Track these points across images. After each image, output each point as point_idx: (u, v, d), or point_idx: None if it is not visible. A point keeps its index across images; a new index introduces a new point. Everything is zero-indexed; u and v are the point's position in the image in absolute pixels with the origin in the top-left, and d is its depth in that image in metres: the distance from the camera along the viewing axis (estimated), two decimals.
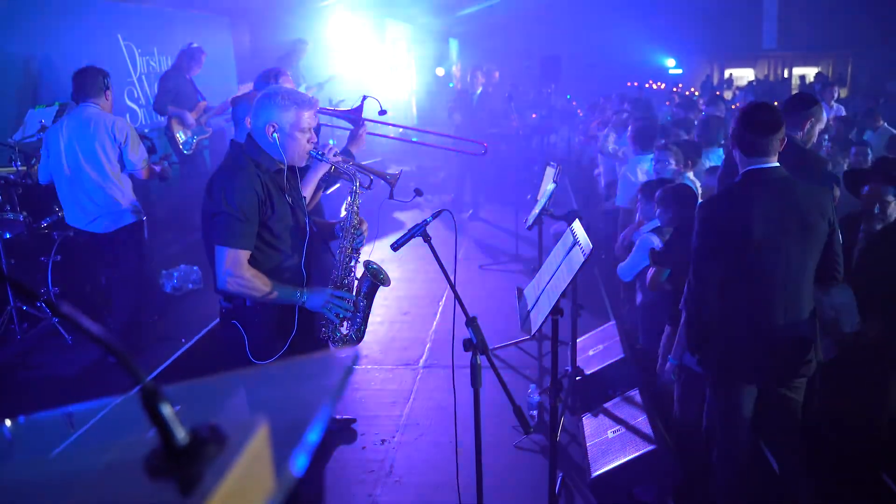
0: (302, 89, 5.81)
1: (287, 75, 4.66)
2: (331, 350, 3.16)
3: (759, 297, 3.06)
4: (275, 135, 2.97)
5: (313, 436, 0.78)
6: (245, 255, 2.93)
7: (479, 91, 10.20)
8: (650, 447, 3.71)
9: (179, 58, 7.80)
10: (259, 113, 3.01)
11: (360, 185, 3.63)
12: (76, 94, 5.17)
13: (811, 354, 3.13)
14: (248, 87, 7.79)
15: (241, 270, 2.91)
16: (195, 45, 7.80)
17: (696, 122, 7.21)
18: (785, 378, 3.16)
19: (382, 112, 4.95)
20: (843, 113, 10.54)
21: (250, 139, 3.05)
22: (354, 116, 4.59)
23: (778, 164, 3.08)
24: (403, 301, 6.98)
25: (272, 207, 2.99)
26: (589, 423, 4.29)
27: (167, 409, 0.71)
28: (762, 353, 3.11)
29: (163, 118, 7.84)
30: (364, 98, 4.63)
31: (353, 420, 4.75)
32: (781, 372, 3.15)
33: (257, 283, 2.94)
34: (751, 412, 3.23)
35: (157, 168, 5.35)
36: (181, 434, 0.71)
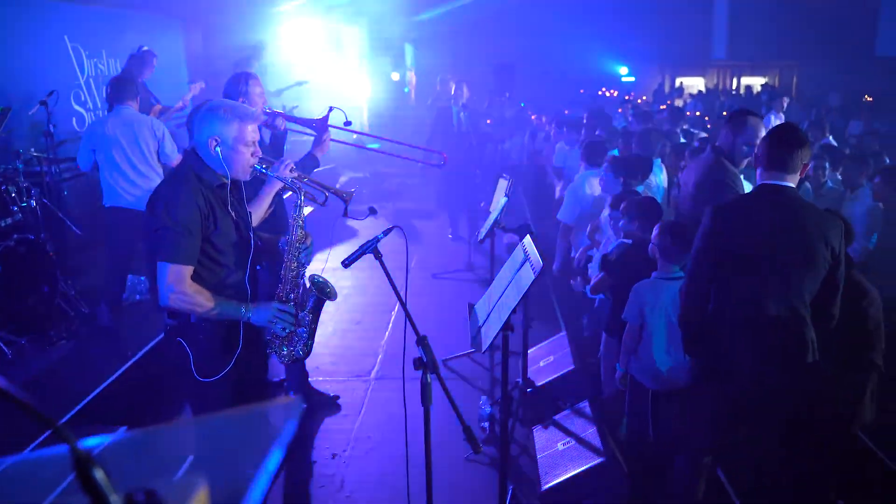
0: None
1: (258, 80, 4.62)
2: (276, 399, 3.13)
3: (750, 308, 3.11)
4: (217, 148, 2.93)
5: (257, 493, 0.77)
6: (188, 270, 2.89)
7: (461, 113, 9.16)
8: (599, 460, 3.75)
9: (130, 62, 7.65)
10: (201, 127, 2.97)
11: (315, 200, 3.62)
12: (112, 97, 5.86)
13: (797, 376, 3.15)
14: (199, 85, 7.70)
15: (183, 286, 2.87)
16: (145, 48, 7.66)
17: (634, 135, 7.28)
18: (769, 391, 3.19)
19: (348, 123, 5.04)
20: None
21: (193, 152, 3.01)
22: (319, 126, 4.63)
23: (793, 186, 3.15)
24: (356, 310, 6.94)
25: (215, 222, 2.96)
26: (539, 435, 4.33)
27: (100, 475, 0.70)
28: (749, 364, 3.15)
29: None
30: (331, 109, 4.72)
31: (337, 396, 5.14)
32: (765, 385, 3.18)
33: (200, 299, 2.90)
34: (734, 419, 3.29)
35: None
36: (115, 500, 0.70)
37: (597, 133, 8.11)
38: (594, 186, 5.66)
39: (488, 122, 14.36)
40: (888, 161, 7.66)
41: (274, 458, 0.80)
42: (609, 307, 4.59)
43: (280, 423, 0.88)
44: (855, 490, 3.92)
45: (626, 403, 4.00)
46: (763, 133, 4.10)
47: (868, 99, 15.58)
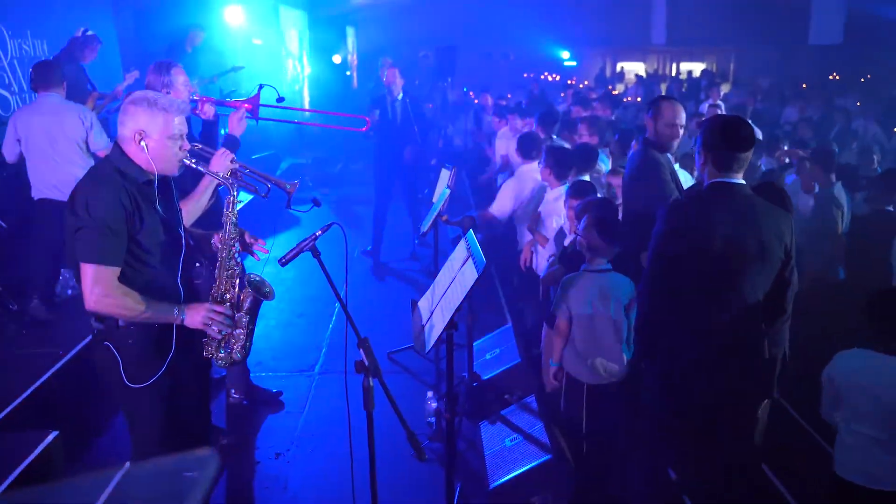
0: (194, 82, 5.54)
1: (180, 67, 4.42)
2: (190, 451, 3.00)
3: (705, 312, 3.06)
4: (142, 143, 2.79)
5: None
6: (114, 271, 2.75)
7: (399, 97, 8.08)
8: (546, 456, 3.73)
9: (71, 44, 7.32)
10: (125, 120, 2.82)
11: (257, 192, 3.48)
12: (37, 83, 5.47)
13: (751, 379, 3.14)
14: (134, 75, 7.40)
15: (109, 289, 2.73)
16: (90, 32, 7.34)
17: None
18: (720, 397, 3.14)
19: (280, 99, 4.87)
20: (722, 110, 10.96)
21: (117, 147, 2.85)
22: (252, 105, 4.44)
23: (743, 182, 3.08)
24: (298, 303, 6.80)
25: (141, 220, 2.81)
26: (486, 430, 4.29)
27: None
28: (704, 370, 3.09)
29: None
30: (261, 86, 4.56)
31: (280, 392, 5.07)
32: (719, 391, 3.13)
33: (128, 302, 2.76)
34: (686, 422, 3.24)
35: None
36: None
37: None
38: (534, 179, 5.60)
39: (429, 106, 14.27)
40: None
41: None
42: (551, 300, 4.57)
43: (196, 477, 0.79)
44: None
45: (562, 397, 3.97)
46: (682, 113, 4.08)
47: (804, 86, 15.92)
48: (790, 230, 3.09)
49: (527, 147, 5.88)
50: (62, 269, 6.23)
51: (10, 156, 5.55)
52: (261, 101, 4.54)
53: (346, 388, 3.11)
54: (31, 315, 5.59)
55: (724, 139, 3.04)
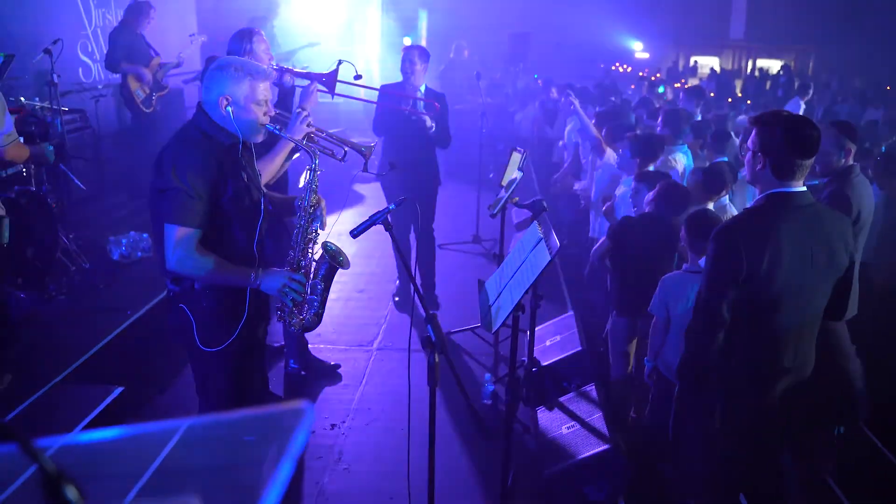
0: (273, 53, 5.51)
1: (262, 35, 4.45)
2: (283, 403, 3.01)
3: (768, 336, 2.76)
4: (228, 108, 2.80)
5: None
6: (196, 234, 2.77)
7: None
8: (604, 447, 3.66)
9: (127, 13, 7.49)
10: (211, 86, 2.83)
11: (333, 155, 3.49)
12: None
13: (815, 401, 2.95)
14: (200, 39, 7.51)
15: (191, 250, 2.75)
16: None
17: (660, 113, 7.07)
18: (786, 425, 2.96)
19: (358, 77, 4.79)
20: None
21: (202, 112, 2.87)
22: (328, 80, 4.45)
23: (805, 189, 2.74)
24: (359, 278, 6.84)
25: (225, 185, 2.83)
26: (544, 416, 4.24)
27: (73, 495, 0.59)
28: (764, 398, 2.82)
29: (116, 75, 7.54)
30: (340, 62, 4.51)
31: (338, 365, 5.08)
32: (783, 419, 2.92)
33: (208, 264, 2.79)
34: (741, 461, 2.99)
35: (35, 149, 4.94)
36: None
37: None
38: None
39: (503, 92, 14.18)
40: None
41: (282, 474, 0.69)
42: (615, 285, 4.50)
43: (288, 430, 0.76)
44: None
45: (650, 398, 3.90)
46: None
47: (888, 88, 15.32)
48: (852, 234, 2.85)
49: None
50: (131, 232, 6.40)
51: None
52: (338, 77, 4.54)
53: (409, 363, 3.11)
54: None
55: (786, 143, 2.66)
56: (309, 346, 5.04)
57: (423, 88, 5.80)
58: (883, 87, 15.36)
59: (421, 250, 5.76)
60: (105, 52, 7.59)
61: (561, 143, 8.96)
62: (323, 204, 3.17)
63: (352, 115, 12.36)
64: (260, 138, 2.97)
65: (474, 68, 9.93)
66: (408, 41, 16.03)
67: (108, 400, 4.19)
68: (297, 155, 3.88)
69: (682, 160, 5.74)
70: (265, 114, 2.89)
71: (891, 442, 4.38)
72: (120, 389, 4.28)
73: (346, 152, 3.49)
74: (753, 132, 2.80)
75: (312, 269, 3.11)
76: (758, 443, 2.94)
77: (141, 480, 0.72)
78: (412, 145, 5.55)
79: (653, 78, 16.96)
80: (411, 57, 5.70)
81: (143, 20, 7.43)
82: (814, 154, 2.72)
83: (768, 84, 17.36)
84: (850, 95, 14.22)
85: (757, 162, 2.75)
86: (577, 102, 6.87)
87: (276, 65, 4.53)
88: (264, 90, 2.87)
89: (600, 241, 4.53)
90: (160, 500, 0.68)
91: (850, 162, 4.19)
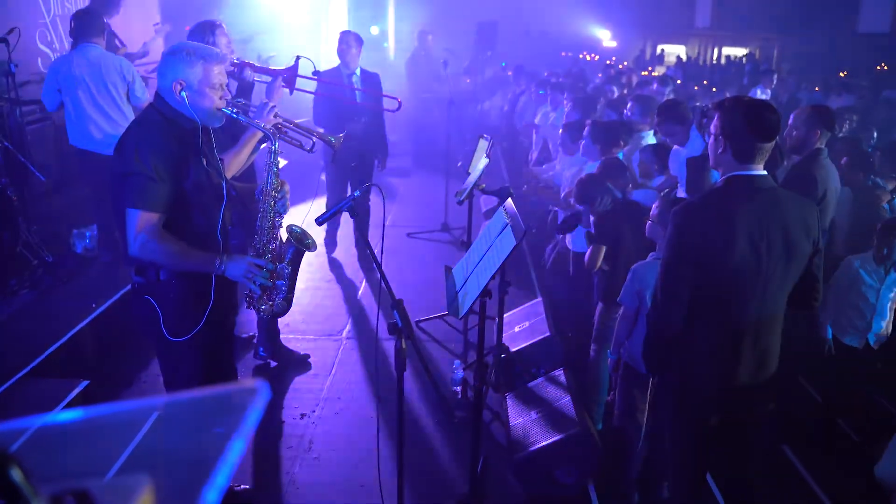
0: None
1: (223, 28, 4.41)
2: (236, 382, 2.99)
3: (727, 321, 2.76)
4: (182, 93, 2.78)
5: (213, 494, 0.66)
6: (159, 218, 2.75)
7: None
8: (573, 430, 3.70)
9: (94, 1, 7.33)
10: (165, 71, 2.81)
11: (301, 146, 3.48)
12: (77, 33, 5.50)
13: (773, 387, 2.88)
14: (164, 29, 7.41)
15: (154, 235, 2.73)
16: None
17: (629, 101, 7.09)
18: (745, 412, 2.92)
19: (316, 72, 4.90)
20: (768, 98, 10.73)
21: (160, 97, 2.85)
22: (288, 76, 4.45)
23: (766, 173, 2.75)
24: (327, 267, 6.82)
25: (187, 169, 2.81)
26: (513, 402, 4.26)
27: (18, 475, 0.58)
28: (724, 381, 2.81)
29: None
30: (298, 58, 4.59)
31: (308, 355, 5.08)
32: (742, 405, 2.89)
33: (172, 248, 2.76)
34: (706, 443, 2.96)
35: None
36: None
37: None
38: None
39: (467, 80, 14.17)
40: None
41: (234, 453, 0.69)
42: (606, 275, 4.41)
43: (242, 409, 0.76)
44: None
45: (616, 390, 3.92)
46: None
47: (842, 74, 15.50)
48: (818, 222, 2.81)
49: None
50: (94, 225, 6.30)
51: (50, 105, 5.60)
52: (298, 73, 4.56)
53: (376, 348, 3.11)
54: (100, 259, 5.87)
55: (747, 126, 2.67)
56: (279, 335, 5.01)
57: (358, 71, 6.48)
58: (843, 75, 15.57)
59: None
60: (69, 41, 7.44)
61: (533, 132, 8.92)
62: (286, 187, 3.15)
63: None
64: (218, 123, 2.94)
65: (441, 57, 9.89)
66: (375, 30, 15.97)
67: (74, 393, 4.15)
68: (263, 146, 3.86)
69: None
70: (221, 97, 2.87)
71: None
72: (85, 383, 4.24)
73: (314, 143, 3.48)
74: (716, 117, 2.80)
75: (279, 254, 3.10)
76: (717, 428, 2.96)
77: (115, 465, 0.71)
78: (352, 130, 5.81)
79: (620, 66, 17.08)
80: (347, 41, 6.41)
81: (111, 9, 7.29)
82: (774, 137, 2.72)
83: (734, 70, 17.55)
84: (812, 83, 14.40)
85: (718, 145, 2.75)
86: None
87: (237, 59, 4.50)
88: (219, 74, 2.85)
89: (588, 251, 4.39)
90: (110, 480, 0.67)
91: (821, 146, 4.36)
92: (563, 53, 20.19)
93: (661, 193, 4.44)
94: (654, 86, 9.02)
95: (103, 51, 5.57)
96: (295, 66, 4.51)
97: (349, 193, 3.63)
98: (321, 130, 3.74)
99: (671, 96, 8.27)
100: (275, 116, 3.30)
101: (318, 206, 7.01)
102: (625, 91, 9.53)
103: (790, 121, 4.49)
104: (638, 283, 3.55)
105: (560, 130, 6.25)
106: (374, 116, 6.47)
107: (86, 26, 5.50)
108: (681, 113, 5.18)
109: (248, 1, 9.64)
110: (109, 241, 5.78)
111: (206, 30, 4.32)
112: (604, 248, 4.19)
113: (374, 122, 6.53)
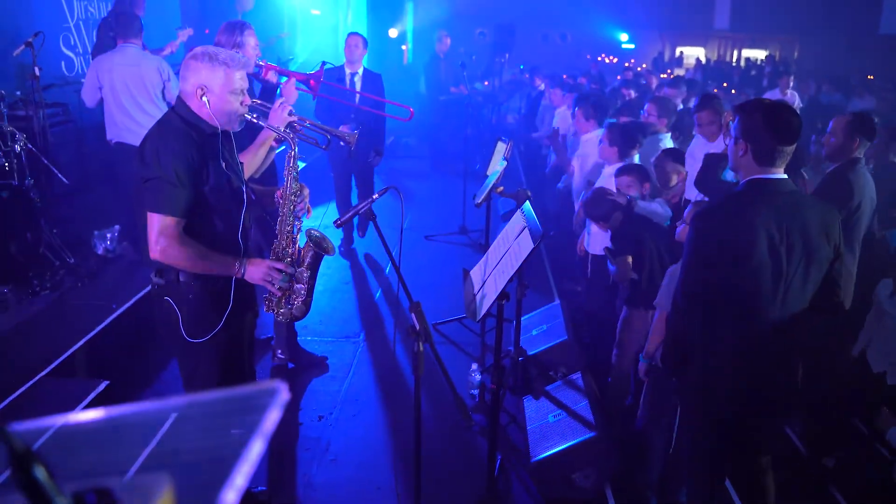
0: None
1: (251, 29, 4.44)
2: (256, 383, 3.00)
3: (748, 325, 2.73)
4: (204, 98, 2.79)
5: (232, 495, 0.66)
6: (179, 222, 2.77)
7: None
8: (591, 434, 3.68)
9: (118, 3, 7.41)
10: (187, 76, 2.83)
11: (317, 144, 3.49)
12: (118, 33, 5.85)
13: (795, 390, 2.86)
14: (187, 32, 7.47)
15: (174, 239, 2.75)
16: None
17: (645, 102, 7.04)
18: (765, 414, 2.89)
19: (340, 80, 4.95)
20: (797, 101, 10.64)
21: (181, 102, 2.87)
22: (315, 80, 4.48)
23: (786, 177, 2.74)
24: (346, 270, 6.83)
25: (207, 173, 2.82)
26: (530, 405, 4.25)
27: (41, 474, 0.58)
28: (744, 385, 2.79)
29: None
30: (323, 63, 4.68)
31: (325, 357, 5.08)
32: (762, 408, 2.86)
33: (192, 253, 2.78)
34: (725, 445, 2.95)
35: None
36: (60, 503, 0.59)
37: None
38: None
39: (486, 83, 14.17)
40: None
41: (253, 452, 0.69)
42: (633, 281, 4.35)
43: (260, 410, 0.76)
44: None
45: (643, 395, 3.88)
46: None
47: (870, 77, 15.38)
48: (839, 226, 2.77)
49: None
50: (116, 226, 6.35)
51: (90, 101, 5.89)
52: (323, 79, 4.60)
53: (394, 351, 3.11)
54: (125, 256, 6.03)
55: (768, 129, 2.65)
56: (297, 337, 5.03)
57: (360, 71, 6.83)
58: (865, 77, 15.43)
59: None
60: (93, 44, 7.52)
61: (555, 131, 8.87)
62: (306, 191, 3.16)
63: (336, 107, 12.35)
64: (237, 127, 2.96)
65: (458, 59, 9.91)
66: (393, 33, 16.02)
67: (94, 394, 4.18)
68: (281, 148, 3.87)
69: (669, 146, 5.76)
70: (242, 103, 2.88)
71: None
72: (105, 383, 4.26)
73: (329, 140, 3.48)
74: (736, 119, 2.79)
75: (298, 258, 3.11)
76: (737, 430, 2.94)
77: (134, 465, 0.72)
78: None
79: (639, 69, 17.02)
80: (353, 42, 6.80)
81: (135, 10, 7.37)
82: (794, 141, 2.70)
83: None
84: (835, 85, 14.26)
85: (739, 148, 2.74)
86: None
87: (263, 61, 4.52)
88: (241, 79, 2.86)
89: (612, 268, 4.36)
90: (131, 478, 0.68)
91: (859, 155, 4.25)
92: (587, 56, 20.14)
93: (694, 201, 4.39)
94: (665, 89, 8.96)
95: (141, 51, 5.91)
96: (320, 72, 4.54)
97: (354, 193, 3.66)
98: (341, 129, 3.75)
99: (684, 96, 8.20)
100: (289, 115, 3.30)
101: (335, 208, 7.07)
102: (633, 93, 9.44)
103: (828, 127, 4.38)
104: (671, 285, 3.52)
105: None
106: (373, 116, 6.51)
107: (126, 27, 5.84)
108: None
109: (267, 4, 9.68)
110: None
111: (236, 29, 4.35)
112: (629, 258, 4.16)
113: (374, 122, 6.63)
